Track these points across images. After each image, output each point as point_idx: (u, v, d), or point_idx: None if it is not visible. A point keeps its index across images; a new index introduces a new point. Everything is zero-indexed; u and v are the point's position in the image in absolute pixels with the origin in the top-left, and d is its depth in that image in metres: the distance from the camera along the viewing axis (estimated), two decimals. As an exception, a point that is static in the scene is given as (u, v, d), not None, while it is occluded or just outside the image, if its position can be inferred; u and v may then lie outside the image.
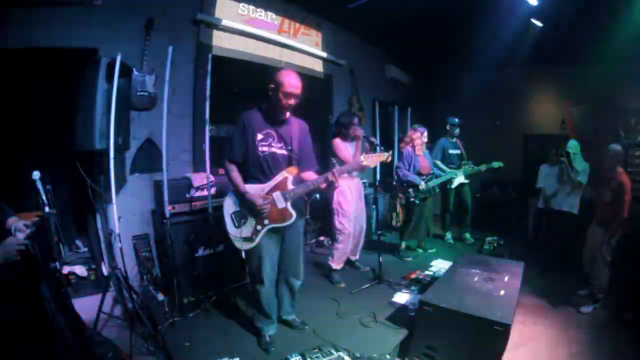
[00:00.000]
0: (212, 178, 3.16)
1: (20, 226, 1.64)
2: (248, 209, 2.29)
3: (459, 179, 4.74)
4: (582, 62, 5.33)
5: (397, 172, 4.28)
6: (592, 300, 3.15)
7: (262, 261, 2.36)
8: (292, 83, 2.23)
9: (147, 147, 3.18)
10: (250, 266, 2.55)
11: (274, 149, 2.32)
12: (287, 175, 2.31)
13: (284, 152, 2.35)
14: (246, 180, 2.33)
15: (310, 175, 2.39)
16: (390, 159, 2.42)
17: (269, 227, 2.31)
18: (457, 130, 4.91)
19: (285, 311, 2.68)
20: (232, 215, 2.35)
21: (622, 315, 2.96)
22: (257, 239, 2.31)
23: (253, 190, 2.29)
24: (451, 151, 4.88)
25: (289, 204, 2.30)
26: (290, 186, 2.30)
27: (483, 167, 4.68)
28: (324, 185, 2.31)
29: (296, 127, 2.40)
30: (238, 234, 2.30)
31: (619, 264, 3.21)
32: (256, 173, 2.33)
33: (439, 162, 4.78)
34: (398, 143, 6.22)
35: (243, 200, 2.29)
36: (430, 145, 4.84)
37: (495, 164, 4.65)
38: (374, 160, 2.38)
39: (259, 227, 2.30)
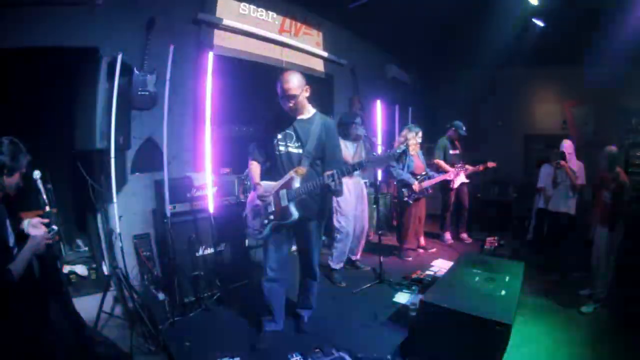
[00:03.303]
0: (212, 177, 3.15)
1: (35, 222, 1.66)
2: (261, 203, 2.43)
3: (461, 178, 4.75)
4: (582, 62, 5.32)
5: (390, 171, 4.27)
6: (593, 300, 3.15)
7: (267, 254, 2.49)
8: (279, 91, 2.30)
9: (148, 147, 3.18)
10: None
11: (290, 149, 2.38)
12: (293, 175, 2.31)
13: (300, 151, 2.37)
14: (268, 176, 2.46)
15: None
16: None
17: (272, 222, 2.39)
18: (461, 133, 4.87)
19: (299, 305, 2.72)
20: (252, 208, 2.50)
21: (629, 311, 2.94)
22: (264, 233, 2.42)
23: (266, 186, 2.41)
24: (452, 152, 4.90)
25: (291, 203, 2.32)
26: (295, 185, 2.31)
27: (480, 167, 4.75)
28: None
29: (318, 126, 2.38)
30: (252, 225, 2.50)
31: (627, 261, 3.20)
32: (274, 171, 2.44)
33: (442, 162, 4.77)
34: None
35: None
36: (427, 145, 4.83)
37: (490, 164, 4.73)
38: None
39: (265, 222, 2.41)
